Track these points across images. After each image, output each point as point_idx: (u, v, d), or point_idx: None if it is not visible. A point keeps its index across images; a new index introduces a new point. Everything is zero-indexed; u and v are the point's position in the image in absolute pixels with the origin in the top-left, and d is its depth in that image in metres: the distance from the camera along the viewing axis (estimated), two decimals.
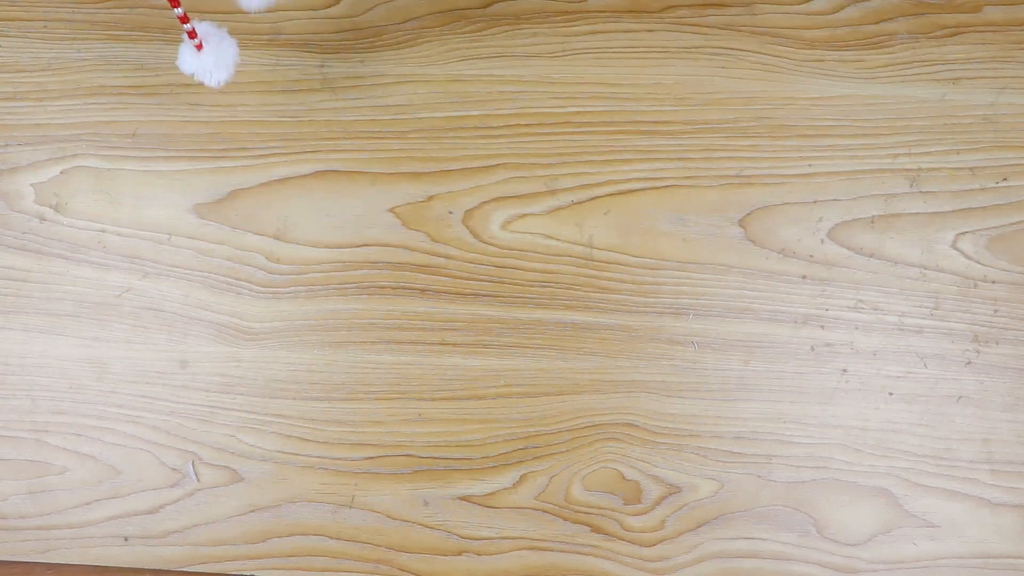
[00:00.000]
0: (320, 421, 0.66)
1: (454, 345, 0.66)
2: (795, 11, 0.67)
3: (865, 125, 0.66)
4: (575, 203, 0.66)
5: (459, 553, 0.65)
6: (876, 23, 0.67)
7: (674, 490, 0.65)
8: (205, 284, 0.66)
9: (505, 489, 0.65)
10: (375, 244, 0.67)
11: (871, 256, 0.66)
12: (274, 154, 0.67)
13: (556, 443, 0.65)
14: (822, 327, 0.65)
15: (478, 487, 0.65)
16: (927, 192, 0.66)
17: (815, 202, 0.66)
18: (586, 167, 0.67)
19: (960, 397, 0.65)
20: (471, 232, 0.67)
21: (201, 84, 0.67)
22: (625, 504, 0.65)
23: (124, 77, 0.68)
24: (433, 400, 0.66)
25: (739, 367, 0.64)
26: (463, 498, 0.65)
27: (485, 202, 0.66)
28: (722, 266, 0.66)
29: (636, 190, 0.66)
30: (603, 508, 0.65)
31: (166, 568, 0.65)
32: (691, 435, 0.65)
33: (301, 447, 0.66)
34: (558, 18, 0.68)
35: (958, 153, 0.66)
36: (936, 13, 0.67)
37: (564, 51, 0.67)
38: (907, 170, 0.66)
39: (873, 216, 0.66)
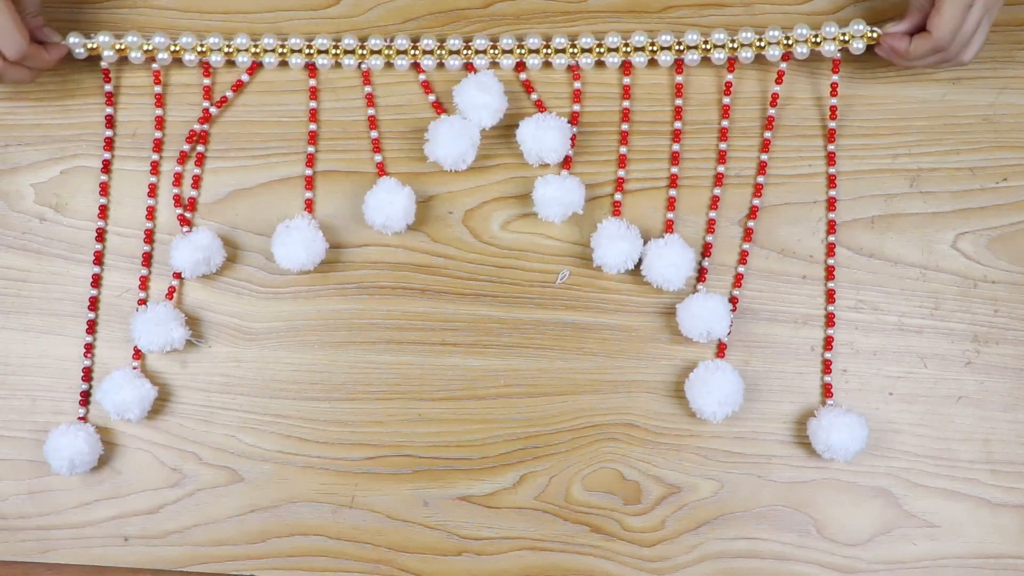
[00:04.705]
0: (320, 421, 0.66)
1: (454, 345, 0.66)
2: (795, 11, 0.67)
3: (865, 125, 0.66)
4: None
5: (459, 553, 0.65)
6: (876, 23, 0.67)
7: (674, 490, 0.65)
8: (205, 284, 0.66)
9: (505, 489, 0.65)
10: (375, 244, 0.67)
11: (871, 256, 0.66)
12: (274, 154, 0.67)
13: (556, 443, 0.65)
14: (822, 327, 0.65)
15: (478, 487, 0.65)
16: (927, 192, 0.66)
17: (815, 202, 0.66)
18: (586, 167, 0.67)
19: (960, 397, 0.65)
20: (471, 232, 0.66)
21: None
22: (625, 504, 0.65)
23: (124, 77, 0.68)
24: (433, 400, 0.66)
25: (739, 367, 0.64)
26: (463, 498, 0.65)
27: (485, 202, 0.66)
28: (722, 266, 0.66)
29: (636, 190, 0.66)
30: (603, 508, 0.65)
31: (166, 568, 0.65)
32: (691, 435, 0.65)
33: (301, 447, 0.66)
34: (558, 18, 0.68)
35: (958, 153, 0.66)
36: None
37: None
38: (907, 170, 0.66)
39: (873, 216, 0.66)
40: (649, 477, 0.65)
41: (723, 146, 0.65)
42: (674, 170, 0.65)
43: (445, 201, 0.67)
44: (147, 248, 0.66)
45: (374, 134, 0.66)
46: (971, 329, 0.65)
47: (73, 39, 0.65)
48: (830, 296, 0.65)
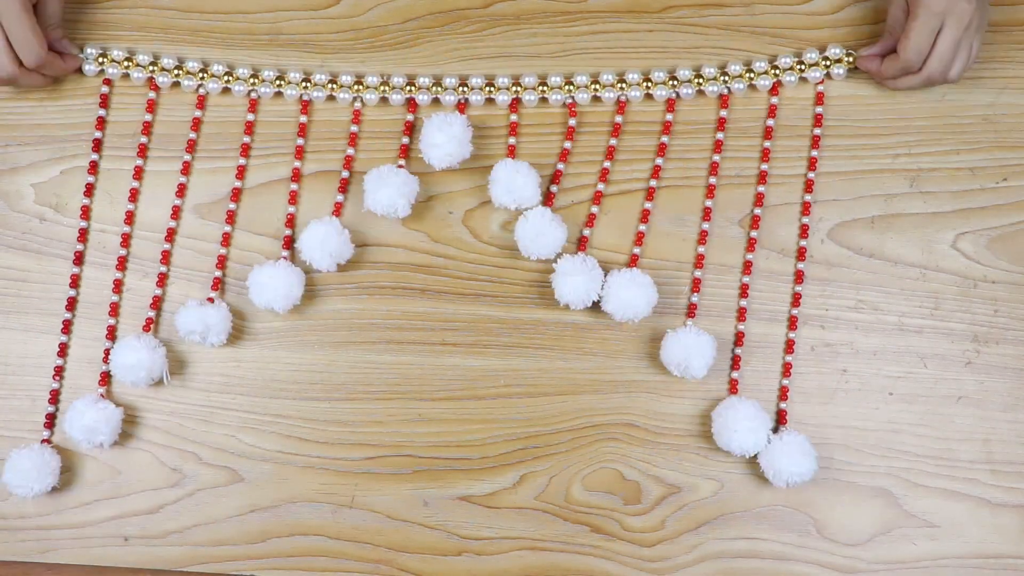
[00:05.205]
0: (320, 421, 0.66)
1: (454, 345, 0.66)
2: (795, 11, 0.67)
3: (865, 125, 0.66)
4: (575, 203, 0.66)
5: (459, 553, 0.65)
6: (876, 23, 0.67)
7: (674, 490, 0.65)
8: (205, 284, 0.66)
9: (505, 489, 0.65)
10: (375, 244, 0.67)
11: (871, 256, 0.66)
12: (274, 154, 0.67)
13: (556, 443, 0.65)
14: (822, 327, 0.65)
15: (478, 487, 0.65)
16: (927, 192, 0.66)
17: (815, 202, 0.66)
18: (586, 167, 0.67)
19: (960, 397, 0.65)
20: (471, 232, 0.67)
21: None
22: (625, 504, 0.65)
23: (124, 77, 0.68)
24: (433, 400, 0.66)
25: (740, 367, 0.64)
26: (463, 498, 0.65)
27: (485, 202, 0.66)
28: (722, 266, 0.66)
29: (636, 190, 0.66)
30: (603, 508, 0.65)
31: (166, 568, 0.65)
32: (691, 435, 0.65)
33: (301, 447, 0.66)
34: (558, 18, 0.68)
35: (958, 153, 0.66)
36: None
37: (564, 51, 0.67)
38: (907, 170, 0.66)
39: (873, 216, 0.66)
40: (649, 477, 0.65)
41: (716, 157, 0.65)
42: (647, 205, 0.65)
43: (445, 201, 0.67)
44: (162, 249, 0.66)
45: (351, 151, 0.66)
46: (971, 329, 0.65)
47: (89, 50, 0.67)
48: (795, 299, 0.65)
